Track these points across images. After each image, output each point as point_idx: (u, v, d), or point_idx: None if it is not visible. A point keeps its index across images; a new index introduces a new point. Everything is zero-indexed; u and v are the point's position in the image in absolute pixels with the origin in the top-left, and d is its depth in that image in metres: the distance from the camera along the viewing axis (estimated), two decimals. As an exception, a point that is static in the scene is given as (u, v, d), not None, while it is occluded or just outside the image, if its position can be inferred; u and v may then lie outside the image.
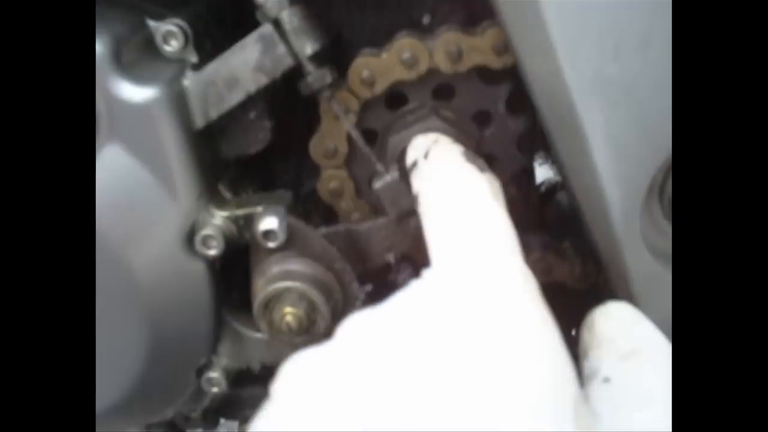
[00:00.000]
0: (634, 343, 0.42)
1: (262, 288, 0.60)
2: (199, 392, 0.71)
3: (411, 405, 0.34)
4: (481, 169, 0.50)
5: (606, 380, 0.41)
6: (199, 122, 0.60)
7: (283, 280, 0.59)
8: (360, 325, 0.39)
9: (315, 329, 0.60)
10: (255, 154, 0.65)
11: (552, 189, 0.96)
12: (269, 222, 0.59)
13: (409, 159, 0.56)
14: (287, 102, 0.67)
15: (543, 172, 0.97)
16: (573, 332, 0.90)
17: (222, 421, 0.94)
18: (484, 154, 0.67)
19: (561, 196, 0.95)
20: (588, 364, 0.43)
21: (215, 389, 0.68)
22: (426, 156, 0.53)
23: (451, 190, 0.47)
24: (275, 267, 0.60)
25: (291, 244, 0.60)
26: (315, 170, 0.69)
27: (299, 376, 0.39)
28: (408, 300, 0.40)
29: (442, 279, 0.41)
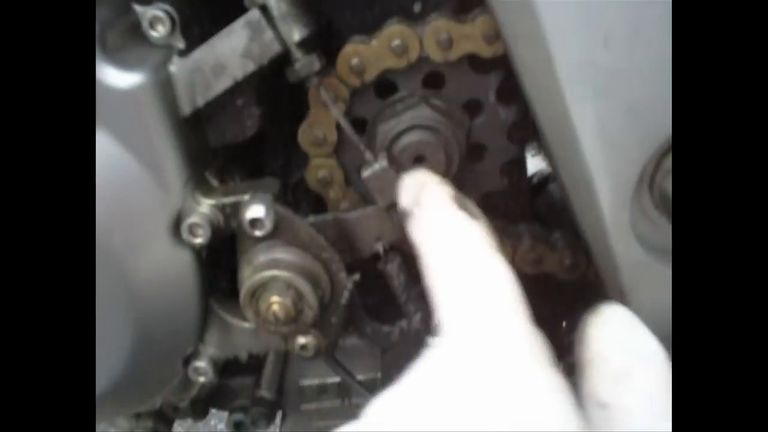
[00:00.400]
0: (628, 362, 0.43)
1: (248, 277, 0.60)
2: (187, 381, 0.70)
3: None
4: (473, 215, 0.50)
5: (602, 405, 0.42)
6: (186, 109, 0.59)
7: (269, 269, 0.59)
8: (388, 406, 0.40)
9: (302, 319, 0.60)
10: (242, 142, 0.65)
11: (543, 180, 0.96)
12: (256, 210, 0.58)
13: (402, 202, 0.55)
14: (275, 90, 0.66)
15: (535, 164, 0.97)
16: (564, 324, 0.91)
17: (213, 411, 0.94)
18: (474, 144, 0.67)
19: (552, 188, 0.94)
20: (584, 385, 0.43)
21: (202, 378, 0.67)
22: (418, 204, 0.53)
23: (451, 247, 0.47)
24: (262, 256, 0.60)
25: (278, 232, 0.59)
26: (303, 159, 0.69)
27: None
28: (427, 376, 0.41)
29: (455, 350, 0.42)
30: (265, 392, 0.86)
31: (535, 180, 0.96)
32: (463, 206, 0.51)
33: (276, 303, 0.59)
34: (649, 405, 0.41)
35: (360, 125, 0.65)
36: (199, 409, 0.88)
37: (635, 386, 0.42)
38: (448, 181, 0.55)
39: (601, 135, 0.53)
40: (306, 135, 0.65)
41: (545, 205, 0.89)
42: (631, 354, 0.43)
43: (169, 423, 0.90)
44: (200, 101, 0.59)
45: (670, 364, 0.43)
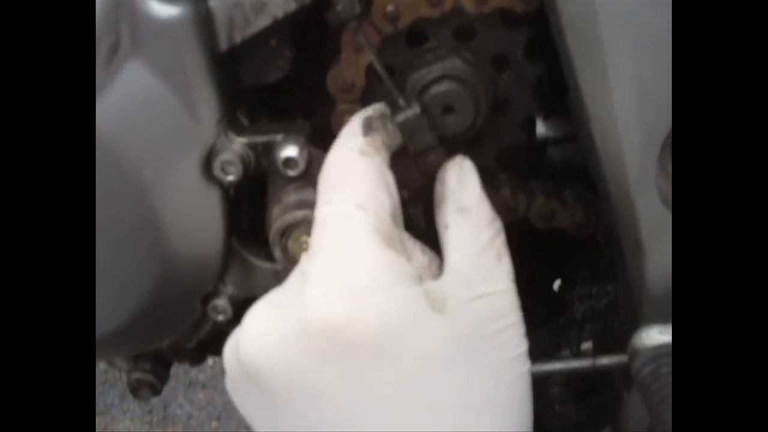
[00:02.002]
0: (465, 201, 0.58)
1: (278, 216, 0.60)
2: (201, 320, 0.71)
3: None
4: (368, 129, 0.58)
5: (446, 227, 0.57)
6: (223, 45, 0.59)
7: (300, 209, 0.60)
8: (255, 315, 0.53)
9: (329, 259, 0.61)
10: (273, 83, 0.65)
11: (544, 144, 0.98)
12: (290, 150, 0.59)
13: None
14: (305, 32, 0.66)
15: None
16: (562, 283, 0.93)
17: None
18: (499, 98, 0.68)
19: (552, 151, 0.96)
20: (439, 211, 0.59)
21: (221, 317, 0.68)
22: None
23: (330, 155, 0.57)
24: (293, 195, 0.60)
25: (308, 173, 0.60)
26: (326, 105, 0.69)
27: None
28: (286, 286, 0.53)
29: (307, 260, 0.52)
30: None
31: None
32: (365, 123, 0.58)
33: (306, 242, 0.59)
34: (479, 231, 0.56)
35: (389, 74, 0.66)
36: (199, 353, 0.89)
37: (470, 217, 0.57)
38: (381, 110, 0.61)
39: (636, 90, 0.55)
40: (335, 79, 0.66)
41: (545, 168, 0.91)
42: (470, 193, 0.59)
43: (167, 366, 0.91)
44: (238, 38, 0.59)
45: (499, 222, 0.58)
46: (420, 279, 0.51)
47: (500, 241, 0.57)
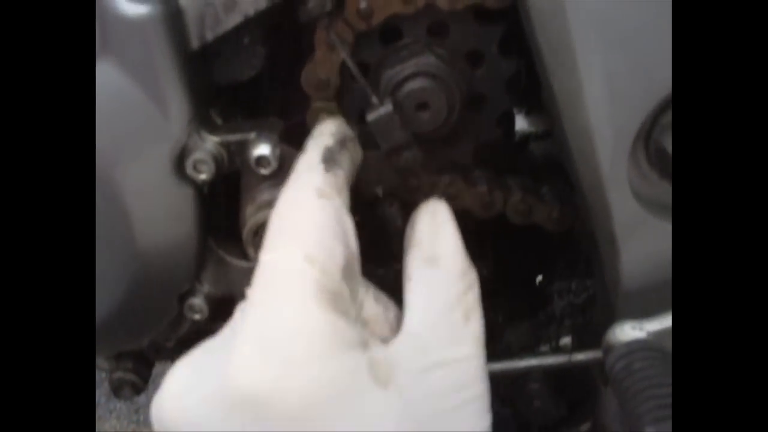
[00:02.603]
0: (435, 251, 0.52)
1: (252, 215, 0.60)
2: (179, 319, 0.71)
3: None
4: (330, 165, 0.54)
5: (409, 279, 0.52)
6: (194, 43, 0.59)
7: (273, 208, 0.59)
8: (175, 384, 0.49)
9: (303, 257, 0.61)
10: (245, 81, 0.65)
11: (524, 139, 0.98)
12: (262, 148, 0.59)
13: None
14: (279, 30, 0.66)
15: (517, 124, 0.99)
16: (542, 279, 0.93)
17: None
18: (474, 94, 0.68)
19: (534, 147, 0.96)
20: (405, 260, 0.54)
21: (197, 316, 0.68)
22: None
23: (282, 196, 0.52)
24: (266, 194, 0.60)
25: (282, 171, 0.60)
26: (301, 103, 0.69)
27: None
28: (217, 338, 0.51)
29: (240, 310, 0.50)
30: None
31: (516, 139, 0.98)
32: (327, 156, 0.54)
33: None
34: (448, 285, 0.50)
35: (363, 71, 0.66)
36: (181, 352, 0.89)
37: (439, 269, 0.51)
38: (344, 127, 0.60)
39: (607, 85, 0.55)
40: (309, 77, 0.65)
41: (526, 164, 0.91)
42: (442, 245, 0.52)
43: (150, 365, 0.90)
44: (209, 36, 0.59)
45: (474, 275, 0.52)
46: (365, 345, 0.46)
47: (471, 297, 0.50)
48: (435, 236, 0.53)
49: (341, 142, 0.56)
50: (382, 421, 0.43)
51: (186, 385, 0.47)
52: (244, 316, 0.46)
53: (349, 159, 0.56)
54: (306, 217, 0.49)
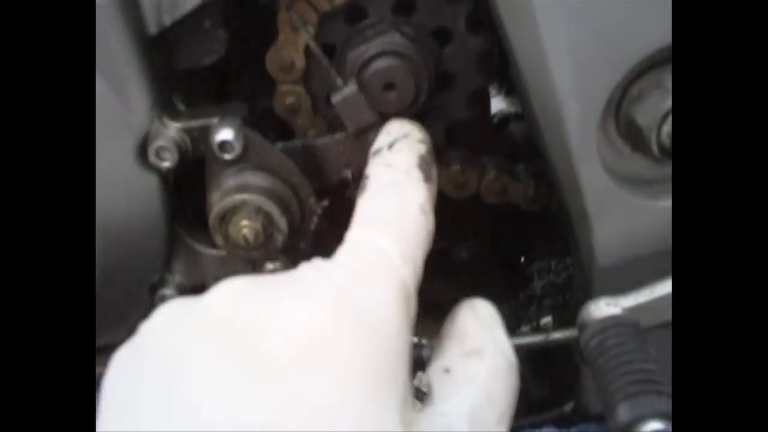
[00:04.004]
0: (482, 344, 0.47)
1: (217, 201, 0.59)
2: (151, 311, 0.70)
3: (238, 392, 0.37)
4: (427, 179, 0.52)
5: (446, 371, 0.45)
6: (152, 28, 0.57)
7: (239, 193, 0.59)
8: (234, 293, 0.43)
9: (272, 243, 0.60)
10: (209, 66, 0.63)
11: (505, 119, 0.97)
12: (225, 133, 0.58)
13: (377, 144, 0.56)
14: (241, 13, 0.65)
15: (496, 104, 0.98)
16: (522, 259, 0.93)
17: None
18: (443, 72, 0.67)
19: (513, 127, 0.95)
20: (438, 352, 0.48)
21: (168, 307, 0.67)
22: (390, 147, 0.55)
23: (387, 191, 0.50)
24: (231, 180, 0.59)
25: (247, 156, 0.59)
26: (269, 88, 0.68)
27: (167, 322, 0.43)
28: (286, 283, 0.43)
29: (325, 272, 0.43)
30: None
31: (496, 119, 0.97)
32: (424, 168, 0.52)
33: (246, 227, 0.58)
34: (488, 382, 0.44)
35: (329, 52, 0.65)
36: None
37: (483, 363, 0.45)
38: (431, 142, 0.56)
39: (572, 59, 0.54)
40: (274, 60, 0.64)
41: (508, 145, 0.90)
42: (487, 340, 0.47)
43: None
44: (167, 20, 0.57)
45: (516, 364, 0.47)
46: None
47: (507, 401, 0.45)
48: (479, 331, 0.48)
49: (431, 154, 0.55)
50: None
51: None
52: (323, 271, 0.43)
53: (436, 175, 0.54)
54: (409, 224, 0.47)
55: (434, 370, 0.46)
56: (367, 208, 0.48)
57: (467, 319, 0.49)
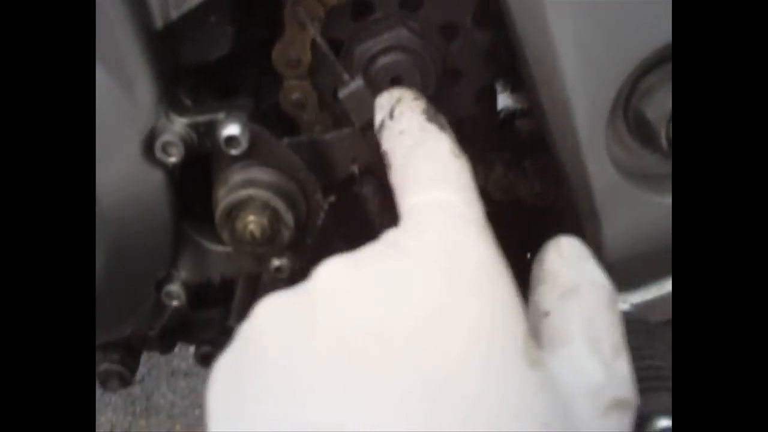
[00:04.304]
0: (575, 281, 0.44)
1: (224, 197, 0.59)
2: (158, 308, 0.70)
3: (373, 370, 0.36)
4: (442, 127, 0.50)
5: (546, 314, 0.43)
6: (159, 23, 0.57)
7: (245, 188, 0.58)
8: (335, 276, 0.40)
9: (278, 239, 0.60)
10: (215, 62, 0.63)
11: (511, 116, 0.96)
12: (231, 128, 0.57)
13: (377, 121, 0.56)
14: (248, 8, 0.65)
15: (502, 100, 0.97)
16: (528, 255, 0.92)
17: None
18: (450, 68, 0.67)
19: (520, 124, 0.95)
20: (532, 299, 0.45)
21: (175, 303, 0.67)
22: (391, 116, 0.53)
23: (415, 151, 0.48)
24: (237, 175, 0.59)
25: (253, 152, 0.59)
26: (276, 83, 0.67)
27: (270, 320, 0.40)
28: (386, 259, 0.41)
29: (407, 237, 0.42)
30: (233, 323, 0.85)
31: (501, 116, 0.97)
32: (433, 118, 0.51)
33: (252, 222, 0.58)
34: (590, 318, 0.42)
35: (335, 47, 0.64)
36: (167, 341, 0.88)
37: (580, 300, 0.43)
38: (424, 96, 0.55)
39: (581, 53, 0.54)
40: (280, 55, 0.64)
41: (513, 141, 0.90)
42: (580, 275, 0.44)
43: (137, 355, 0.89)
44: (174, 15, 0.57)
45: (616, 294, 0.44)
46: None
47: (617, 331, 0.42)
48: (571, 265, 0.46)
49: (431, 105, 0.53)
50: (524, 397, 0.36)
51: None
52: (414, 240, 0.41)
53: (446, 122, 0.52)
54: (451, 171, 0.45)
55: (534, 316, 0.43)
56: (404, 176, 0.47)
57: (554, 260, 0.46)
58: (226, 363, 0.41)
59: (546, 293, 0.44)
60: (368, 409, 0.35)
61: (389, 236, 0.43)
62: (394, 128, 0.51)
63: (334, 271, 0.40)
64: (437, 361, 0.35)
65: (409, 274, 0.39)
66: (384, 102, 0.56)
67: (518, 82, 0.88)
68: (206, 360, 0.87)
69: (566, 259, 0.46)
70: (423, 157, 0.47)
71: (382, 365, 0.36)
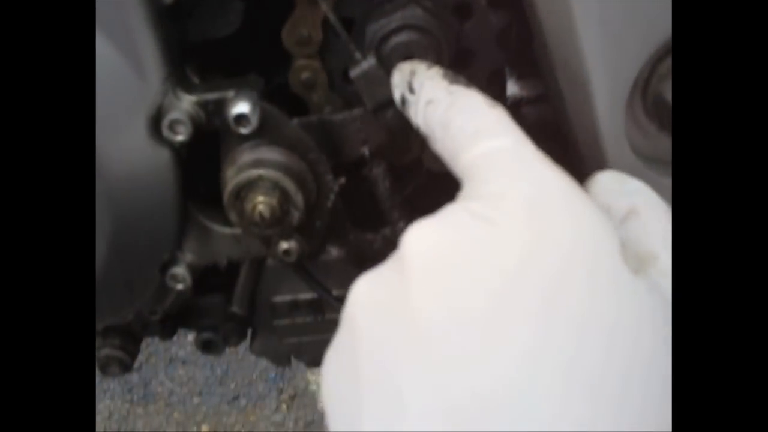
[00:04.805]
0: (630, 205, 0.44)
1: (232, 177, 0.57)
2: (162, 292, 0.68)
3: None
4: (467, 85, 0.49)
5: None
6: (167, -2, 0.56)
7: (255, 168, 0.57)
8: (426, 242, 0.40)
9: (287, 220, 0.58)
10: (223, 38, 0.62)
11: (517, 103, 0.95)
12: (241, 106, 0.56)
13: (396, 99, 0.54)
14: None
15: (509, 88, 0.96)
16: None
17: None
18: (463, 49, 0.65)
19: (526, 111, 0.94)
20: None
21: (180, 286, 0.65)
22: (411, 90, 0.52)
23: (451, 112, 0.47)
24: (246, 155, 0.58)
25: (263, 131, 0.57)
26: (285, 63, 0.66)
27: (363, 302, 0.40)
28: (459, 215, 0.41)
29: (479, 190, 0.41)
30: (236, 308, 0.84)
31: (507, 103, 0.95)
32: (455, 80, 0.50)
33: (262, 203, 0.57)
34: (655, 234, 0.42)
35: (347, 25, 0.63)
36: (168, 327, 0.87)
37: (641, 220, 0.43)
38: (436, 64, 0.54)
39: (603, 33, 0.52)
40: (290, 33, 0.62)
41: (521, 127, 0.89)
42: (631, 198, 0.44)
43: (137, 341, 0.88)
44: (182, -11, 0.56)
45: (670, 208, 0.44)
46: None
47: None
48: (620, 194, 0.45)
49: (448, 69, 0.52)
50: (619, 302, 0.36)
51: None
52: (491, 188, 0.41)
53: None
54: (495, 117, 0.45)
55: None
56: (450, 139, 0.46)
57: (599, 193, 0.45)
58: (333, 351, 0.41)
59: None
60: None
61: (463, 194, 0.42)
62: (419, 101, 0.50)
63: (423, 234, 0.40)
64: (544, 284, 0.36)
65: (492, 219, 0.39)
66: (398, 79, 0.54)
67: (525, 69, 0.87)
68: (207, 346, 0.86)
69: (612, 190, 0.45)
70: (462, 116, 0.46)
71: (485, 307, 0.36)
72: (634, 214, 0.43)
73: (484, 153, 0.43)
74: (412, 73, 0.53)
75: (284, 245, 0.62)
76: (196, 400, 1.72)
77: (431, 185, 0.73)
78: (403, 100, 0.52)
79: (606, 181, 0.46)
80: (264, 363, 1.73)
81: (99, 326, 0.77)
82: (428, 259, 0.39)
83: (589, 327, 0.35)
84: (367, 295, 0.41)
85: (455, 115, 0.47)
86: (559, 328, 0.35)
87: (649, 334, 0.36)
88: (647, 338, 0.36)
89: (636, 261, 0.39)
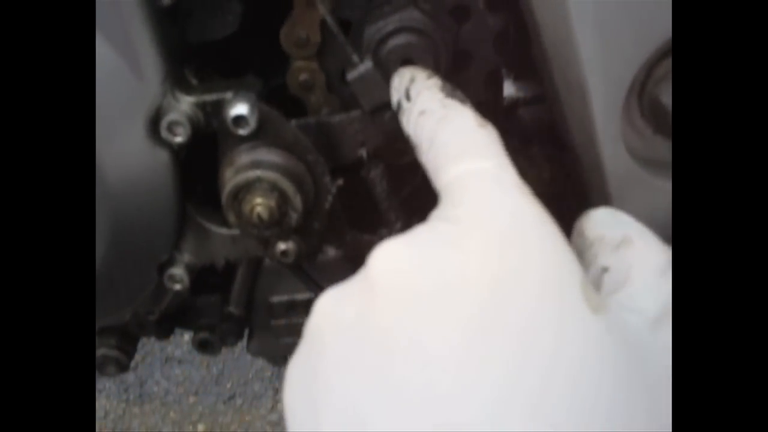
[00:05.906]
0: (623, 235, 0.44)
1: (231, 178, 0.58)
2: (159, 292, 0.69)
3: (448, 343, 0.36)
4: (462, 101, 0.50)
5: (605, 270, 0.43)
6: (165, 0, 0.56)
7: (253, 170, 0.57)
8: (391, 258, 0.40)
9: (285, 222, 0.58)
10: (222, 39, 0.62)
11: (514, 104, 0.96)
12: (240, 108, 0.56)
13: (394, 103, 0.55)
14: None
15: (505, 88, 0.96)
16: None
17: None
18: (460, 51, 0.66)
19: (522, 112, 0.94)
20: (584, 263, 0.44)
21: (177, 286, 0.66)
22: (408, 97, 0.53)
23: (441, 128, 0.48)
24: (245, 156, 0.58)
25: (262, 132, 0.58)
26: (283, 65, 0.66)
27: (329, 314, 0.40)
28: (429, 235, 0.41)
29: (453, 211, 0.42)
30: (233, 309, 0.84)
31: (505, 104, 0.96)
32: (451, 94, 0.50)
33: (260, 204, 0.57)
34: (648, 262, 0.42)
35: (345, 27, 0.63)
36: (165, 327, 0.87)
37: (635, 249, 0.43)
38: (437, 74, 0.54)
39: (600, 34, 0.52)
40: (288, 35, 0.63)
41: (516, 129, 0.89)
42: (625, 230, 0.44)
43: (134, 341, 0.88)
44: (181, -9, 0.56)
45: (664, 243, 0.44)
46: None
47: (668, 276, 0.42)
48: (614, 226, 0.46)
49: (446, 81, 0.53)
50: (585, 345, 0.36)
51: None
52: (462, 208, 0.41)
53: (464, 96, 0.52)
54: (480, 140, 0.46)
55: (594, 276, 0.43)
56: (434, 155, 0.47)
57: (593, 227, 0.46)
58: (295, 362, 0.41)
59: (598, 253, 0.44)
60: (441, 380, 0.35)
61: (436, 214, 0.43)
62: (413, 109, 0.51)
63: (390, 254, 0.40)
64: (515, 325, 0.36)
65: (462, 245, 0.39)
66: (397, 84, 0.55)
67: (522, 71, 0.88)
68: (204, 346, 0.86)
69: (606, 223, 0.46)
70: (450, 133, 0.47)
71: (456, 345, 0.35)
72: (627, 243, 0.43)
73: (464, 173, 0.43)
74: (412, 80, 0.53)
75: (282, 246, 0.62)
76: (192, 399, 1.72)
77: (428, 187, 0.73)
78: (399, 106, 0.53)
79: (600, 214, 0.47)
80: (260, 363, 1.73)
81: (96, 326, 0.77)
82: (395, 281, 0.38)
83: (557, 369, 0.35)
84: (333, 309, 0.40)
85: (443, 130, 0.47)
86: (528, 369, 0.34)
87: (611, 377, 0.36)
88: (608, 380, 0.35)
89: (610, 288, 0.41)
